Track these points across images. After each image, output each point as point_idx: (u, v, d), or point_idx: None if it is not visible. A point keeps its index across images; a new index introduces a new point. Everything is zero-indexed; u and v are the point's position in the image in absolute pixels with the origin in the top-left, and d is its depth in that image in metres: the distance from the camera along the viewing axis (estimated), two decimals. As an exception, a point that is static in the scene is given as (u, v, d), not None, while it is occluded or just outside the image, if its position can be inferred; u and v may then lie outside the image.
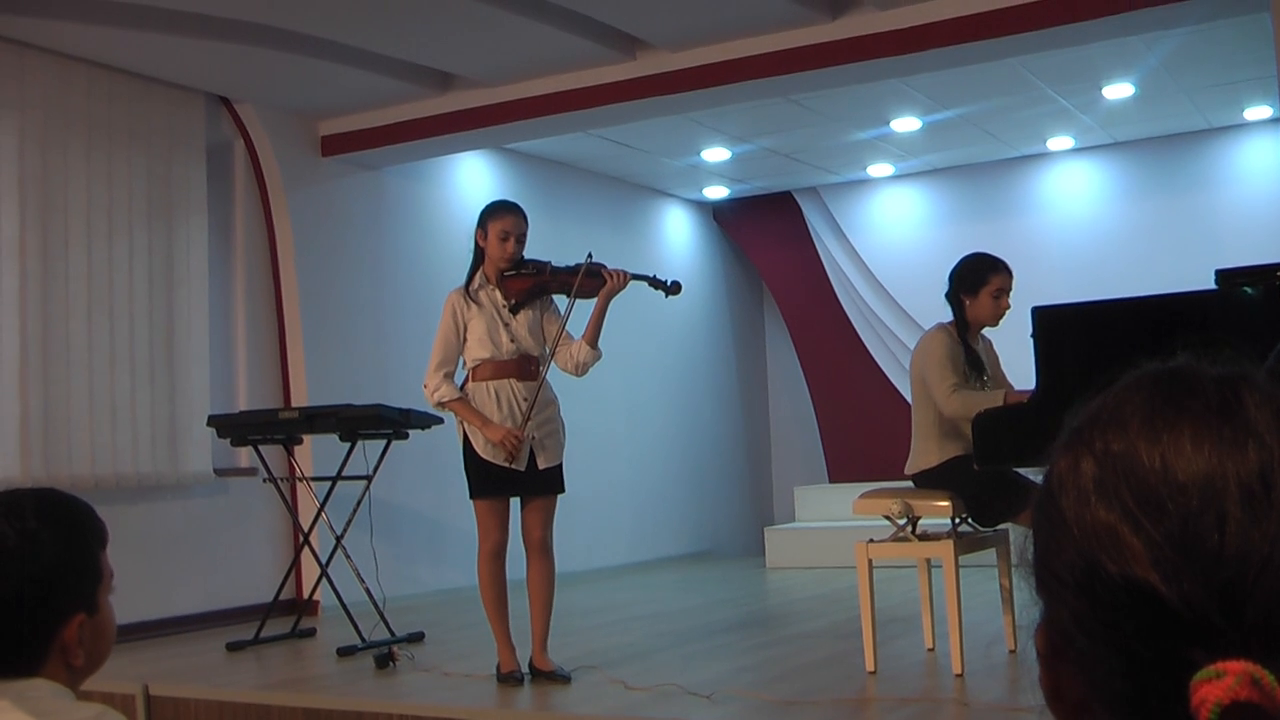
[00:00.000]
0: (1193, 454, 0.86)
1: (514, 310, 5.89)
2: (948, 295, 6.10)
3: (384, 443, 7.54)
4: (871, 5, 7.69)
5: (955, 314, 6.08)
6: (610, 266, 5.92)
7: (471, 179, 10.58)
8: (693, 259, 13.03)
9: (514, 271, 5.91)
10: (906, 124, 10.76)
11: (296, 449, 8.01)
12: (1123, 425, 0.89)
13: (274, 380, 9.16)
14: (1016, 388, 6.11)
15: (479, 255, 5.99)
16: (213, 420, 7.98)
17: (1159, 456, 0.86)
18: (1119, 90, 10.03)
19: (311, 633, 7.94)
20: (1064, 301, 5.48)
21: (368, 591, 7.36)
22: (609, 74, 8.50)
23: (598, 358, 5.94)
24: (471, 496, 5.88)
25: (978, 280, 6.01)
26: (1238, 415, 0.87)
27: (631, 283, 6.00)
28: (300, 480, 7.96)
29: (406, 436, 7.61)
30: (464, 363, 5.96)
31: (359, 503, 7.49)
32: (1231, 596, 0.83)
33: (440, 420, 7.50)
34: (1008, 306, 6.03)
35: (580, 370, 5.92)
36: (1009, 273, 6.05)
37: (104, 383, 7.89)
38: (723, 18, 7.78)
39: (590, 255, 5.93)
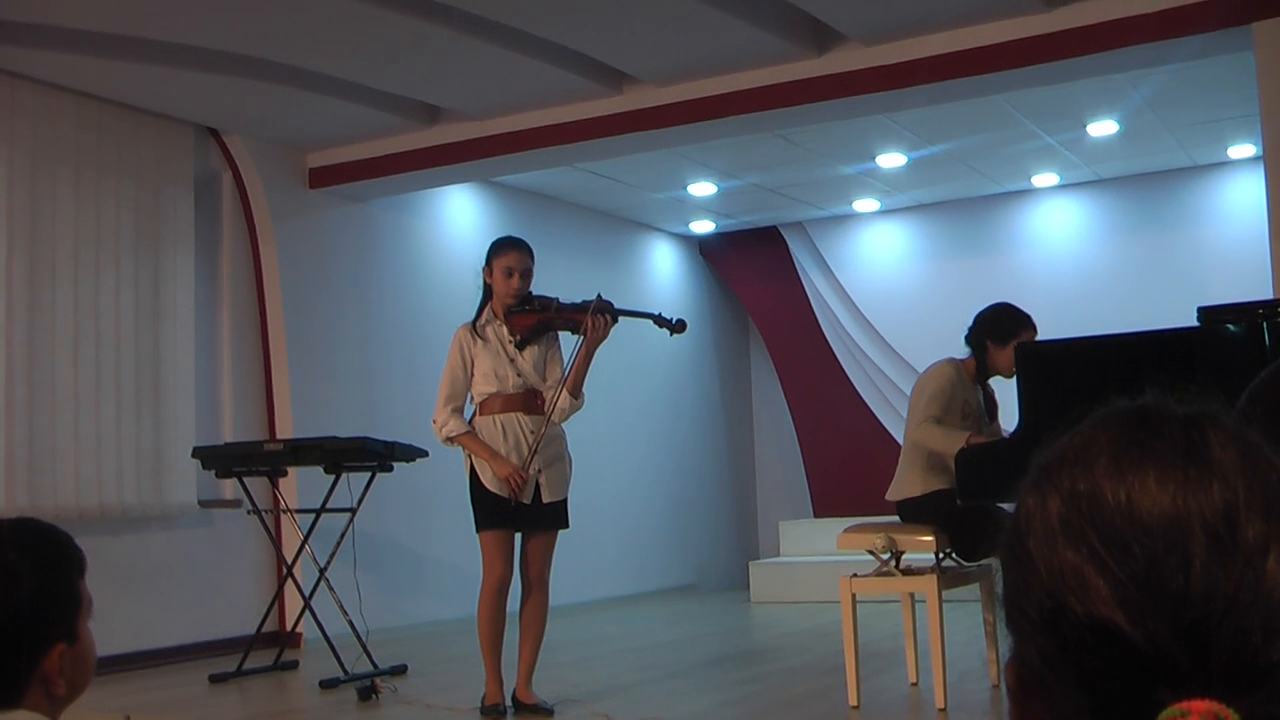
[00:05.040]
0: (1157, 494, 0.86)
1: (520, 346, 5.91)
2: (969, 337, 6.12)
3: (368, 475, 7.53)
4: (858, 41, 7.74)
5: (976, 357, 6.09)
6: (616, 305, 5.93)
7: (459, 212, 10.60)
8: (679, 293, 13.05)
9: (520, 307, 5.93)
10: (892, 160, 10.81)
11: (281, 481, 8.00)
12: (1088, 465, 0.90)
13: (259, 412, 9.15)
14: (1004, 427, 6.13)
15: (487, 292, 6.02)
16: (198, 452, 7.97)
17: (1124, 497, 0.87)
18: (1104, 127, 10.08)
19: (294, 665, 7.92)
20: (1048, 338, 5.51)
21: (351, 624, 7.34)
22: (596, 108, 8.53)
23: (578, 407, 5.95)
24: (478, 529, 5.88)
25: (1010, 333, 6.01)
26: (1203, 456, 0.88)
27: (636, 320, 6.03)
28: (284, 512, 7.95)
29: (391, 469, 7.60)
30: (472, 397, 5.98)
31: (343, 535, 7.48)
32: (1196, 637, 0.83)
33: (425, 453, 7.51)
34: None
35: (559, 417, 5.93)
36: (1036, 330, 6.08)
37: (89, 413, 7.87)
38: (709, 53, 7.82)
39: (600, 295, 5.93)
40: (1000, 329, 6.05)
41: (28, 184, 7.73)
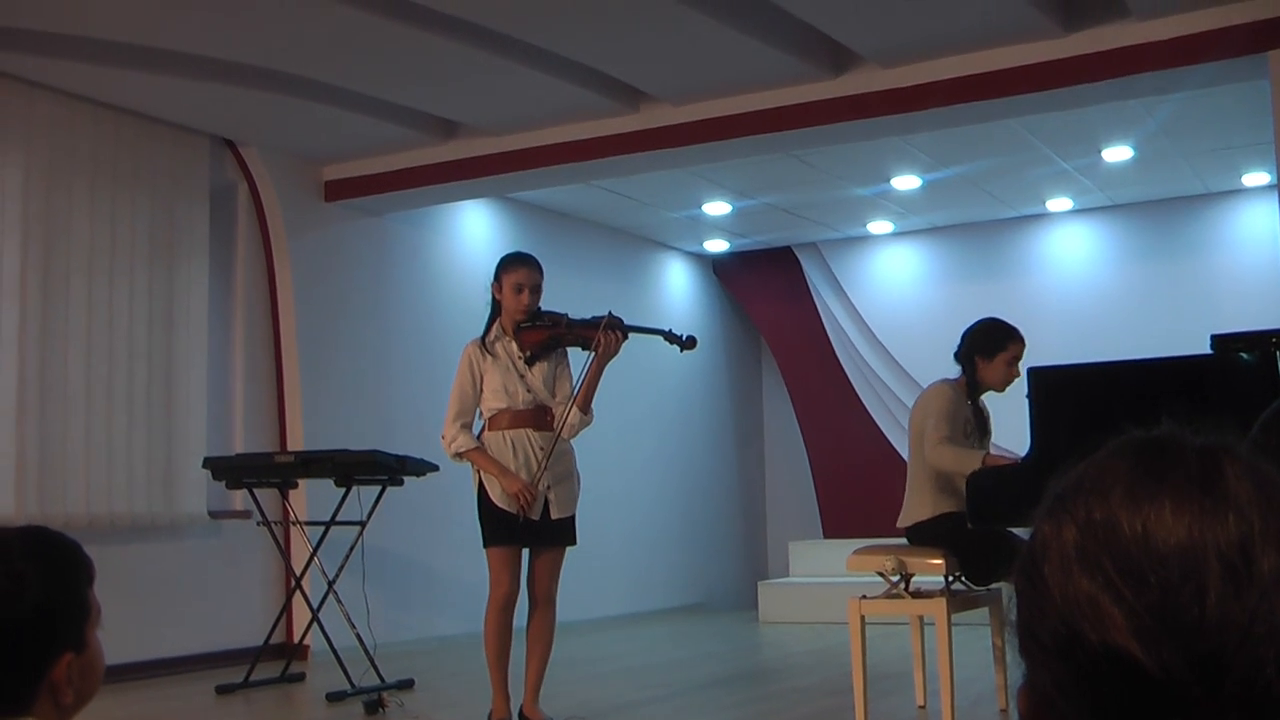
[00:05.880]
0: (1173, 524, 0.86)
1: (529, 362, 5.89)
2: (958, 354, 6.12)
3: (379, 489, 7.53)
4: (874, 63, 7.75)
5: (966, 373, 6.09)
6: (627, 321, 5.92)
7: (474, 227, 10.62)
8: (692, 312, 13.05)
9: (530, 323, 5.91)
10: (907, 182, 10.82)
11: (291, 493, 8.00)
12: (1104, 494, 0.90)
13: (270, 424, 9.16)
14: (1009, 448, 6.11)
15: (495, 307, 6.00)
16: (208, 462, 7.97)
17: (1140, 526, 0.87)
18: (1118, 153, 10.09)
19: (301, 677, 7.91)
20: (1060, 363, 5.50)
21: (358, 637, 7.33)
22: (612, 126, 8.54)
23: (588, 423, 5.92)
24: (485, 545, 5.87)
25: (995, 346, 6.02)
26: (1218, 487, 0.88)
27: (646, 336, 6.02)
28: (294, 524, 7.95)
29: (401, 483, 7.60)
30: (481, 412, 5.96)
31: (352, 548, 7.48)
32: (1211, 667, 0.83)
33: (436, 468, 7.50)
34: (1017, 374, 6.03)
35: (569, 433, 5.90)
36: (1024, 342, 6.07)
37: (101, 422, 7.88)
38: (726, 73, 7.83)
39: (611, 312, 5.92)
40: (986, 343, 6.05)
41: (44, 193, 7.75)
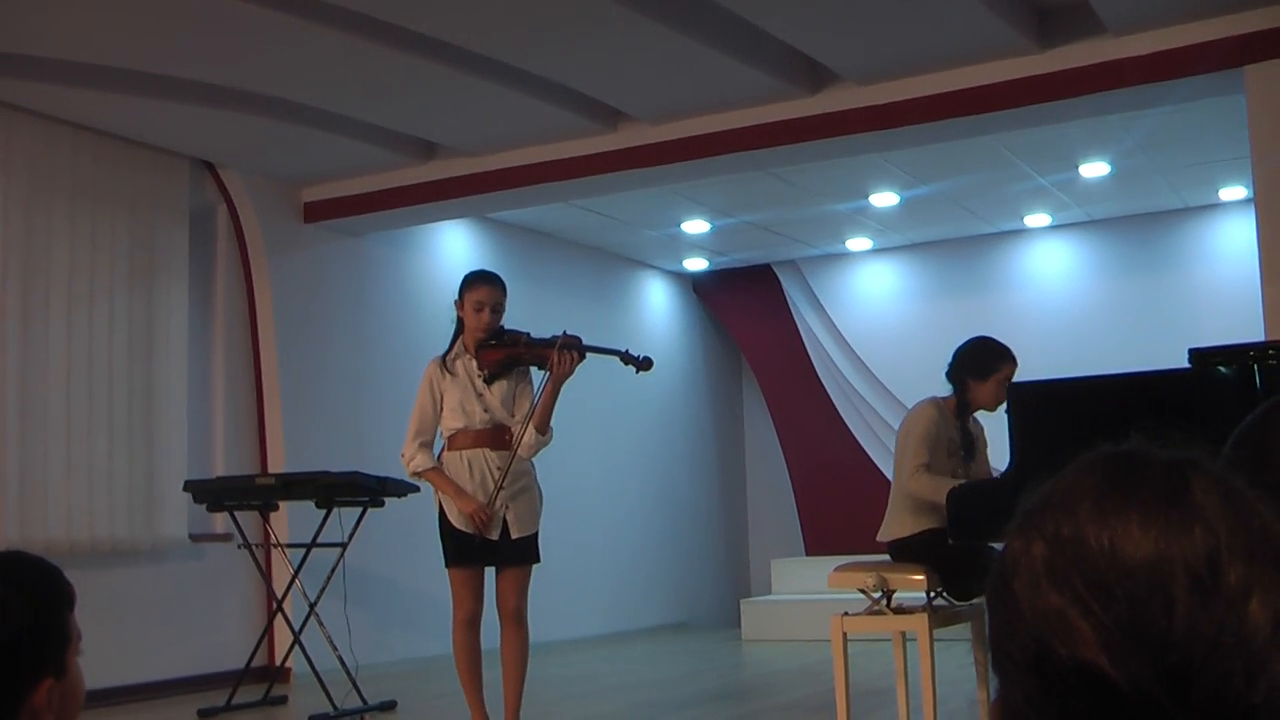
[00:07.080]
0: (1140, 539, 0.87)
1: (488, 381, 5.86)
2: (949, 373, 6.09)
3: (360, 510, 7.52)
4: (851, 81, 7.77)
5: (956, 393, 6.06)
6: (585, 340, 5.89)
7: (453, 247, 10.62)
8: (672, 330, 13.07)
9: (489, 342, 5.89)
10: (885, 199, 10.85)
11: (272, 515, 7.98)
12: (1073, 509, 0.91)
13: (251, 446, 9.13)
14: (992, 464, 6.10)
15: (459, 326, 5.98)
16: (189, 485, 7.95)
17: (1108, 541, 0.88)
18: (1095, 169, 10.13)
19: (283, 700, 7.89)
20: (1040, 378, 5.51)
21: (340, 659, 7.31)
22: (590, 145, 8.55)
23: (545, 443, 5.87)
24: (446, 565, 5.85)
25: (988, 367, 5.97)
26: (1185, 501, 0.89)
27: (604, 357, 5.98)
28: (275, 546, 7.93)
29: (383, 504, 7.59)
30: (441, 432, 5.94)
31: (333, 570, 7.46)
32: (1179, 679, 0.84)
33: (417, 489, 7.48)
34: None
35: (525, 452, 5.86)
36: (1016, 363, 6.04)
37: (81, 446, 7.86)
38: (704, 92, 7.86)
39: (565, 331, 5.89)
40: (979, 364, 6.01)
41: (23, 215, 7.74)
